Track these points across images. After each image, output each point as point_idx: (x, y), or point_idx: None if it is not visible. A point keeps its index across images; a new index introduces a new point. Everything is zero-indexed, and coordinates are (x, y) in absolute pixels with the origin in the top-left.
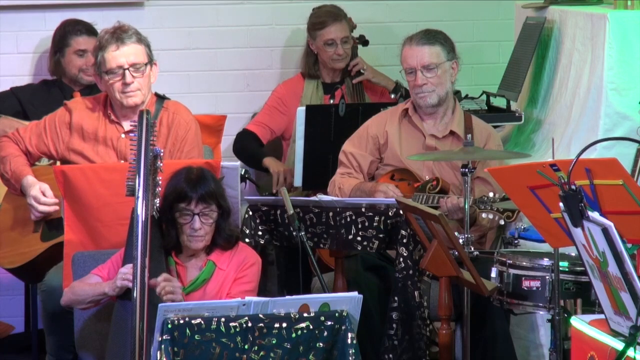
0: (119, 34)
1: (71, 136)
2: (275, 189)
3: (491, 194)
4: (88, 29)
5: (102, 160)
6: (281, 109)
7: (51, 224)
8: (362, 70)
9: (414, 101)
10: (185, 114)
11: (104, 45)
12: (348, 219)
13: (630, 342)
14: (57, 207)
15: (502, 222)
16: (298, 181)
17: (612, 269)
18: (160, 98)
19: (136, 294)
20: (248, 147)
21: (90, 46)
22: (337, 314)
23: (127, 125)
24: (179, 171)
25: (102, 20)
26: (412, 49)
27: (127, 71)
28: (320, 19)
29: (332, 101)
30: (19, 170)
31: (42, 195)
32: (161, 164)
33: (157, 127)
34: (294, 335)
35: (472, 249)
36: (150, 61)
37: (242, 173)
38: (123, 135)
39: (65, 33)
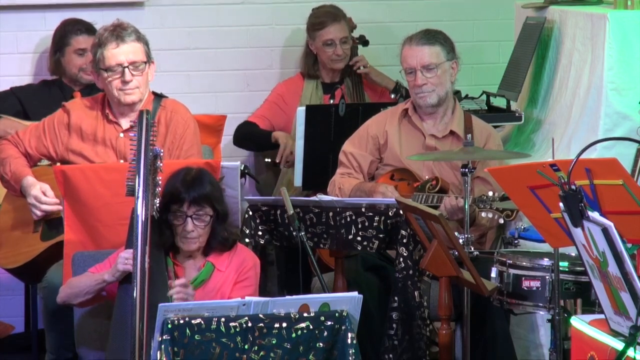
0: (118, 31)
1: (70, 137)
2: (279, 159)
3: (490, 193)
4: (88, 29)
5: (101, 160)
6: (281, 105)
7: (51, 224)
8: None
9: (414, 101)
10: (183, 112)
11: (103, 43)
12: (348, 219)
13: (630, 342)
14: (59, 207)
15: (501, 221)
16: (298, 181)
17: (612, 269)
18: (158, 96)
19: (136, 294)
20: (253, 131)
21: (90, 45)
22: (337, 314)
23: (125, 124)
24: (178, 171)
25: (102, 20)
26: (412, 49)
27: (126, 69)
28: (319, 20)
29: (332, 101)
30: (19, 171)
31: (42, 195)
32: (161, 164)
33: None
34: (294, 335)
35: (472, 249)
36: (149, 60)
37: (242, 168)
38: (122, 135)
39: (66, 32)
